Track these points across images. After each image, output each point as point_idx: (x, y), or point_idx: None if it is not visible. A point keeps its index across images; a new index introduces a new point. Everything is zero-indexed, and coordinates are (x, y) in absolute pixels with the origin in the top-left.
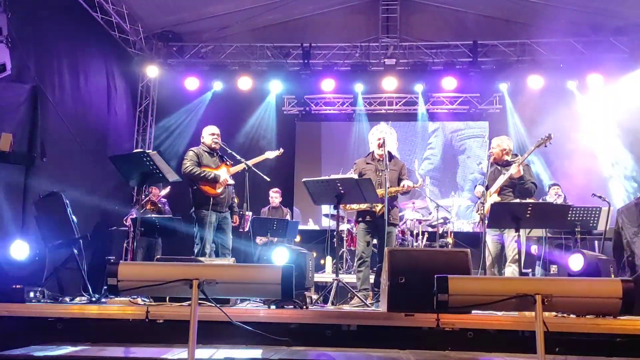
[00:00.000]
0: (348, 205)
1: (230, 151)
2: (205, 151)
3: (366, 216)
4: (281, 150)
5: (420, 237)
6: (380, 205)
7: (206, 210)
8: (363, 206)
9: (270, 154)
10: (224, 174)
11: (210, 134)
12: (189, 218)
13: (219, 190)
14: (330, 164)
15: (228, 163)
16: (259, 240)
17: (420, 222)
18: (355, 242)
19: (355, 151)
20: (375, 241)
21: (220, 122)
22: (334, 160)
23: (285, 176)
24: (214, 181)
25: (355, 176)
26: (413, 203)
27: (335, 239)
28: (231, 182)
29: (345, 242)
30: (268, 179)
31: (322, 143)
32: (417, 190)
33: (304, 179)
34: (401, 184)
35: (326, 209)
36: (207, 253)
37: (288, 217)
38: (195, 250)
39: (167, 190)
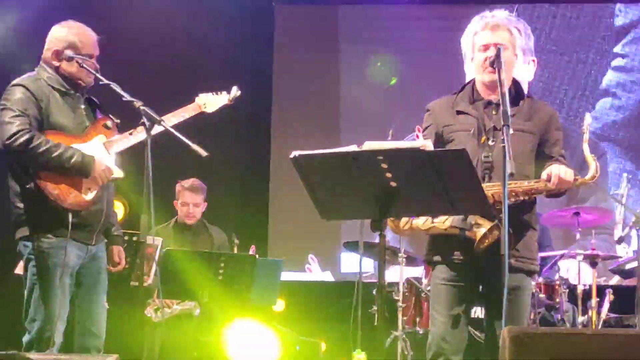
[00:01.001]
0: (407, 221)
1: (118, 91)
2: (58, 89)
3: (454, 249)
4: (236, 92)
5: (594, 300)
6: (486, 226)
7: (56, 236)
8: (444, 224)
9: (211, 102)
10: (101, 153)
11: (71, 41)
12: (10, 256)
13: (88, 196)
14: (361, 116)
15: (109, 124)
16: (155, 308)
17: (594, 264)
18: (426, 315)
19: (429, 83)
20: (478, 312)
21: (90, 15)
22: (370, 108)
23: (247, 148)
24: (81, 172)
25: (428, 144)
26: (577, 214)
27: (376, 307)
28: (118, 174)
29: (400, 313)
30: (204, 154)
31: (340, 63)
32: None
33: (294, 153)
34: (546, 172)
35: (350, 230)
36: (52, 341)
37: (231, 248)
38: (27, 336)
39: None
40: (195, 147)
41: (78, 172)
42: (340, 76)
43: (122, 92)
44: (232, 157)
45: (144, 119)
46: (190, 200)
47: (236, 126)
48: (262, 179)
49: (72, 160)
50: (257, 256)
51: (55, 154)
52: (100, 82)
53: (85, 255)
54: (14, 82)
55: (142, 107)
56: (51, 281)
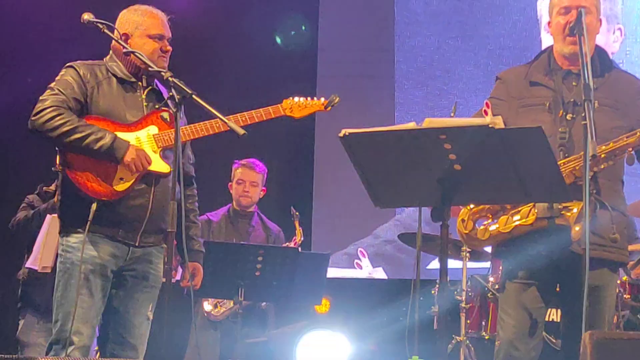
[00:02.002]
0: (484, 229)
1: (144, 60)
2: (117, 76)
3: (531, 241)
4: (334, 98)
5: None
6: (577, 206)
7: (78, 233)
8: (528, 218)
9: (299, 106)
10: (146, 144)
11: (138, 23)
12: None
13: (119, 186)
14: (419, 89)
15: (166, 115)
16: (210, 308)
17: None
18: (493, 318)
19: (497, 52)
20: (554, 315)
21: None
22: (429, 81)
23: (289, 129)
24: (110, 155)
25: (498, 121)
26: None
27: (436, 309)
28: (161, 168)
29: (463, 315)
30: (241, 132)
31: (395, 34)
32: None
33: (344, 131)
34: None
35: (406, 220)
36: (69, 341)
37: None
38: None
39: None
40: (232, 124)
41: (107, 155)
42: (395, 47)
43: (148, 62)
44: (272, 138)
45: (173, 92)
46: (247, 177)
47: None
48: (305, 162)
49: (101, 141)
50: (299, 249)
51: (82, 134)
52: (124, 50)
53: (125, 256)
54: (68, 64)
55: (171, 79)
56: (74, 279)
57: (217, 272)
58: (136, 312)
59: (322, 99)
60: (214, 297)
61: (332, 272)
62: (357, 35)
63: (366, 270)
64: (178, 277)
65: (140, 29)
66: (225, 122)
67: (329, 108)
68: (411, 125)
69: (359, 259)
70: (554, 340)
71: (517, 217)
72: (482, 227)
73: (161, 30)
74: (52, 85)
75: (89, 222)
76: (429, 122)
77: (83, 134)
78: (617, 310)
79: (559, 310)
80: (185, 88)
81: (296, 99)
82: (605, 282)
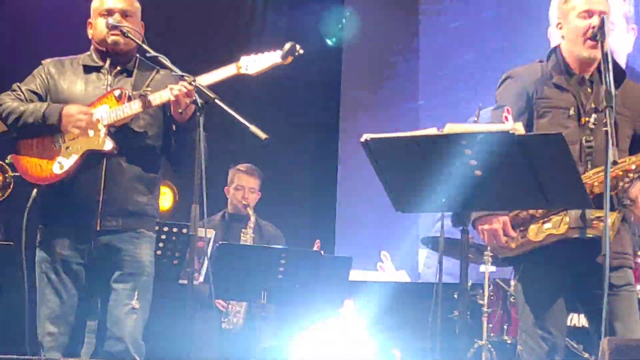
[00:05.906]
0: (514, 239)
1: (167, 64)
2: (85, 64)
3: (559, 249)
4: (290, 47)
5: None
6: (611, 217)
7: (44, 224)
8: (560, 227)
9: (254, 62)
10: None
11: (92, 6)
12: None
13: (56, 169)
14: (442, 93)
15: (117, 93)
16: (228, 313)
17: None
18: (515, 322)
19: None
20: (576, 320)
21: None
22: (453, 85)
23: (313, 130)
24: (47, 122)
25: (519, 127)
26: None
27: (458, 313)
28: (104, 144)
29: (485, 319)
30: (264, 136)
31: (420, 33)
32: None
33: (365, 136)
34: None
35: (429, 224)
36: (42, 343)
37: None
38: None
39: None
40: (254, 128)
41: (45, 124)
42: (420, 47)
43: (171, 66)
44: (295, 140)
45: (196, 97)
46: (246, 183)
47: (301, 107)
48: (329, 165)
49: (34, 113)
50: (322, 252)
51: (19, 112)
52: (147, 54)
53: (90, 244)
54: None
55: (193, 83)
56: (37, 279)
57: (240, 275)
58: (117, 303)
59: (277, 51)
60: (237, 300)
61: (355, 275)
62: (382, 34)
63: (389, 273)
64: (200, 280)
65: (94, 10)
66: (249, 127)
67: (290, 59)
68: (432, 130)
69: (382, 261)
70: (575, 345)
71: (548, 225)
72: (513, 238)
73: (107, 4)
74: None
75: (27, 209)
76: (450, 128)
77: (19, 111)
78: None
79: (580, 315)
80: (207, 92)
81: (251, 55)
82: (632, 280)
